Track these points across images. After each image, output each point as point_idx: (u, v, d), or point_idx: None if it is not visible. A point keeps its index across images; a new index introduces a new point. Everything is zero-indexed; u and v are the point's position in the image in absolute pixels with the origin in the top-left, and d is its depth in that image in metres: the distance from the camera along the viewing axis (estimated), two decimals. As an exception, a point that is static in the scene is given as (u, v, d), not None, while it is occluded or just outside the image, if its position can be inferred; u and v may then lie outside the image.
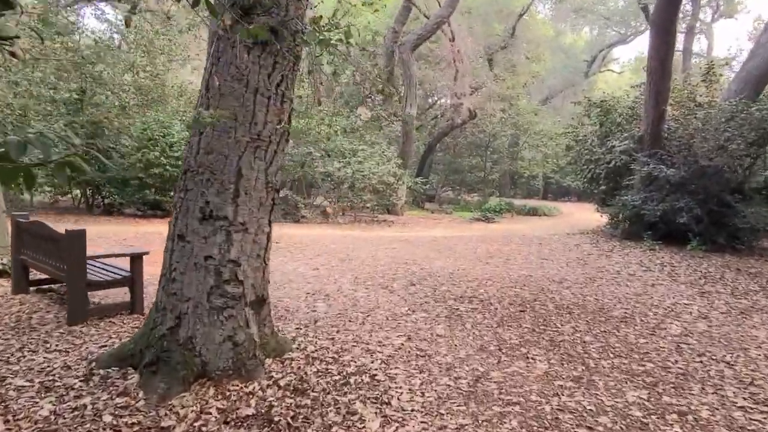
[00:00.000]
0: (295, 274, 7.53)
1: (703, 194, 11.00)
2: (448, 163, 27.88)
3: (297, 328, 4.89)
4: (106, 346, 4.22)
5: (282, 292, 6.34)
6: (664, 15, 11.24)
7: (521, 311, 5.86)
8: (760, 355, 4.65)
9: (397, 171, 16.19)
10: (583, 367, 4.22)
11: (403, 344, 4.56)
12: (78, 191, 15.58)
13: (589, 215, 20.05)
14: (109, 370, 3.64)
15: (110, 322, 4.96)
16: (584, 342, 4.87)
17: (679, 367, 4.30)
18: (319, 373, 3.82)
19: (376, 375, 3.84)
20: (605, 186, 13.87)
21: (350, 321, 5.24)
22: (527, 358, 4.39)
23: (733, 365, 4.37)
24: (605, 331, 5.23)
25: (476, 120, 23.77)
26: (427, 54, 25.10)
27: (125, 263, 5.37)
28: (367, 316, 5.46)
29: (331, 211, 15.57)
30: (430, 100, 30.85)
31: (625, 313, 5.98)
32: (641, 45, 60.77)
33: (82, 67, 13.77)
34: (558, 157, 27.28)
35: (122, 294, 5.55)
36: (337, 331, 4.86)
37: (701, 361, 4.45)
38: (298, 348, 4.31)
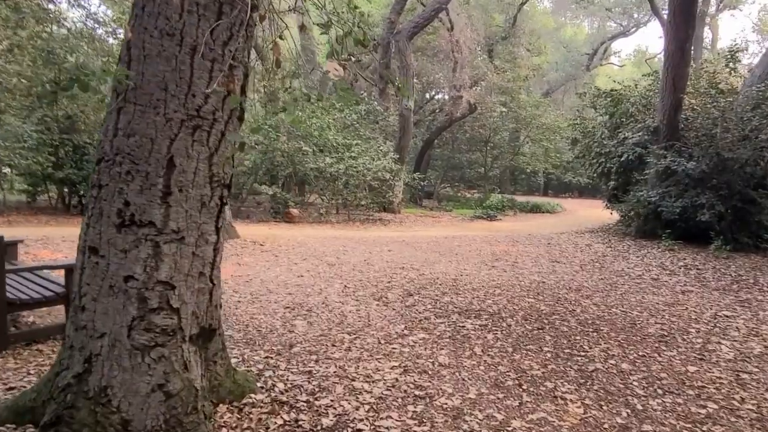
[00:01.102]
0: (276, 282, 6.59)
1: (725, 189, 10.07)
2: (446, 158, 26.92)
3: (267, 357, 3.95)
4: (14, 388, 3.27)
5: (256, 307, 5.40)
6: (683, -7, 10.30)
7: (539, 329, 4.93)
8: (843, 388, 3.73)
9: (394, 167, 15.23)
10: (628, 411, 3.29)
11: (397, 379, 3.63)
12: (54, 190, 14.59)
13: (593, 212, 19.18)
14: (3, 428, 2.70)
15: (37, 350, 4.02)
16: (622, 372, 3.94)
17: (749, 408, 3.38)
18: (286, 428, 2.89)
19: (361, 430, 2.90)
20: (616, 181, 12.96)
21: (334, 345, 4.30)
22: (556, 397, 3.45)
23: (816, 405, 3.44)
24: (644, 356, 4.30)
25: (476, 114, 22.80)
26: (425, 47, 24.14)
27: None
28: (355, 338, 4.52)
29: (324, 211, 14.65)
30: (428, 95, 29.88)
31: (662, 329, 5.05)
32: (643, 38, 59.78)
33: (56, 58, 12.77)
34: (560, 152, 26.39)
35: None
36: (316, 360, 3.92)
37: (774, 399, 3.53)
38: (263, 387, 3.37)
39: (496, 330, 4.86)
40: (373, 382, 3.56)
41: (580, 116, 15.26)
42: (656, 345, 4.58)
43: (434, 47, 22.68)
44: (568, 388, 3.60)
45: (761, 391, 3.67)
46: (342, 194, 15.28)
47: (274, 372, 3.65)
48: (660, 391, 3.61)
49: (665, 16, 19.38)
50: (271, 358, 3.95)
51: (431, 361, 4.01)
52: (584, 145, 14.41)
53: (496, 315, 5.37)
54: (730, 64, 11.79)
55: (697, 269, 8.45)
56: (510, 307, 5.73)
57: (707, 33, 35.67)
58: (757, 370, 4.07)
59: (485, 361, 4.05)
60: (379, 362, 3.94)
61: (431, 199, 24.91)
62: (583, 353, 4.30)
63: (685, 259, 9.23)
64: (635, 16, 35.70)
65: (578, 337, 4.70)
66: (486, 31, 23.43)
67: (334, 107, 17.24)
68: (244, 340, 4.31)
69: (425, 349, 4.28)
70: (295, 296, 5.91)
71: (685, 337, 4.84)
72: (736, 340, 4.79)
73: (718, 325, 5.31)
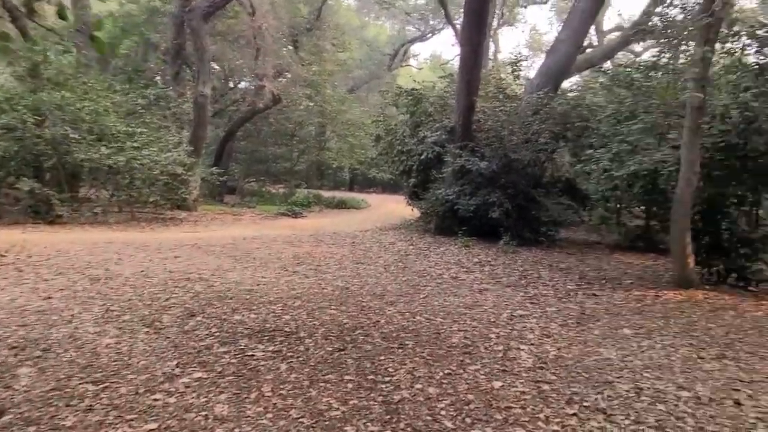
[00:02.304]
0: (8, 310, 5.00)
1: (512, 188, 10.80)
2: (251, 152, 25.51)
3: (-50, 441, 2.68)
4: None
5: (-38, 352, 3.91)
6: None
7: (341, 351, 4.33)
8: (629, 390, 3.78)
9: (187, 160, 13.60)
10: (439, 454, 2.82)
11: (152, 453, 2.68)
12: None
13: (396, 207, 19.68)
14: None
15: None
16: (429, 399, 3.51)
17: (555, 430, 3.16)
18: None
19: None
20: (417, 179, 13.23)
21: (68, 406, 3.15)
22: (358, 449, 2.85)
23: (612, 416, 3.37)
24: (450, 373, 3.96)
25: (281, 107, 21.90)
26: (227, 31, 22.46)
27: None
28: (104, 387, 3.41)
29: (100, 210, 12.46)
30: (232, 84, 28.03)
31: (465, 338, 4.83)
32: (438, 44, 64.66)
33: None
34: (365, 148, 26.81)
35: None
36: (34, 435, 2.77)
37: (575, 413, 3.39)
38: None
39: (292, 357, 4.13)
40: (114, 462, 2.57)
41: (382, 113, 15.39)
42: (461, 358, 4.29)
43: (236, 32, 21.16)
44: (375, 430, 3.03)
45: (562, 404, 3.52)
46: (125, 190, 13.18)
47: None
48: (469, 420, 3.23)
49: (458, 25, 20.78)
50: (-42, 440, 2.69)
51: (204, 414, 3.12)
52: (387, 143, 14.53)
53: (293, 335, 4.65)
54: (515, 72, 12.77)
55: (491, 265, 8.80)
56: (310, 322, 5.06)
57: (491, 45, 39.59)
58: (554, 377, 3.98)
59: (275, 405, 3.29)
60: (130, 426, 2.93)
61: (234, 195, 23.36)
62: (388, 378, 3.80)
63: (479, 255, 9.61)
64: (431, 22, 38.10)
65: (383, 357, 4.21)
66: (290, 21, 22.59)
67: (113, 89, 14.92)
68: None
69: (199, 396, 3.36)
70: (31, 329, 4.48)
71: (487, 345, 4.67)
72: (532, 344, 4.76)
73: (515, 327, 5.30)
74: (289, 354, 4.19)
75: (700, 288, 7.41)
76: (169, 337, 4.44)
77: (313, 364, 4.00)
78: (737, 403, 3.63)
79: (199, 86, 15.47)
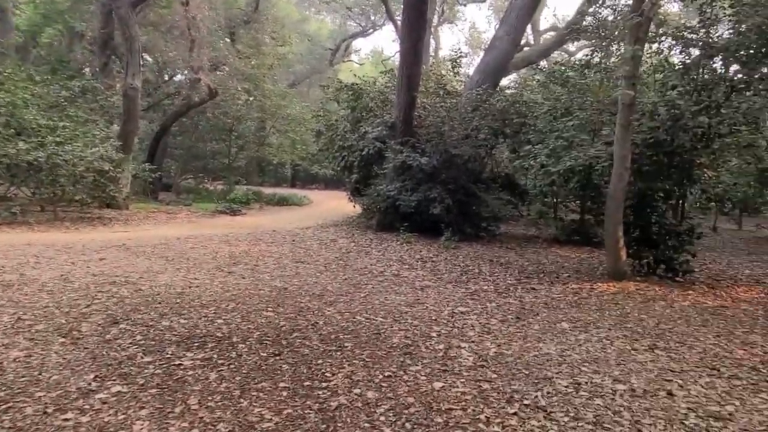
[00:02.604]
0: None
1: (453, 184, 10.83)
2: (187, 147, 24.57)
3: None
4: None
5: None
6: (416, -5, 10.68)
7: (276, 355, 4.12)
8: (568, 386, 3.78)
9: (115, 155, 12.85)
10: (377, 464, 2.69)
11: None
12: None
13: (338, 203, 19.47)
14: None
15: None
16: (368, 404, 3.37)
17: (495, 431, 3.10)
18: None
19: None
20: (359, 174, 13.08)
21: (-38, 431, 2.81)
22: (290, 463, 2.67)
23: (552, 413, 3.34)
24: (390, 376, 3.84)
25: (219, 101, 21.19)
26: (159, 21, 21.47)
27: None
28: (7, 408, 3.07)
29: (18, 210, 11.57)
30: (167, 76, 26.86)
31: (406, 337, 4.73)
32: (379, 40, 64.68)
33: None
34: (306, 144, 26.38)
35: None
36: None
37: (516, 412, 3.34)
38: None
39: (223, 364, 3.89)
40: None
41: (323, 108, 15.12)
42: (401, 359, 4.18)
43: (167, 21, 20.26)
44: (307, 443, 2.86)
45: (502, 404, 3.47)
46: (48, 188, 12.31)
47: None
48: (409, 425, 3.11)
49: (399, 21, 20.70)
50: None
51: (122, 433, 2.86)
52: (328, 138, 14.30)
53: (225, 341, 4.40)
54: (455, 69, 12.82)
55: (432, 261, 8.78)
56: (244, 326, 4.82)
57: (432, 42, 39.89)
58: (495, 376, 3.94)
59: (201, 418, 3.06)
60: (34, 452, 2.63)
61: (170, 192, 22.42)
62: (325, 384, 3.63)
63: (421, 251, 9.57)
64: (372, 17, 37.97)
65: (320, 361, 4.04)
66: (227, 13, 21.86)
67: (33, 80, 13.94)
68: None
69: (117, 412, 3.08)
70: (-74, 344, 4.02)
71: (428, 343, 4.59)
72: (473, 341, 4.72)
73: (456, 324, 5.25)
74: (220, 361, 3.95)
75: (632, 279, 7.66)
76: (87, 348, 4.09)
77: (245, 371, 3.78)
78: (670, 394, 3.70)
79: (128, 78, 14.67)
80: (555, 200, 13.72)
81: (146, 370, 3.72)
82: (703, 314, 6.00)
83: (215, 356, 4.05)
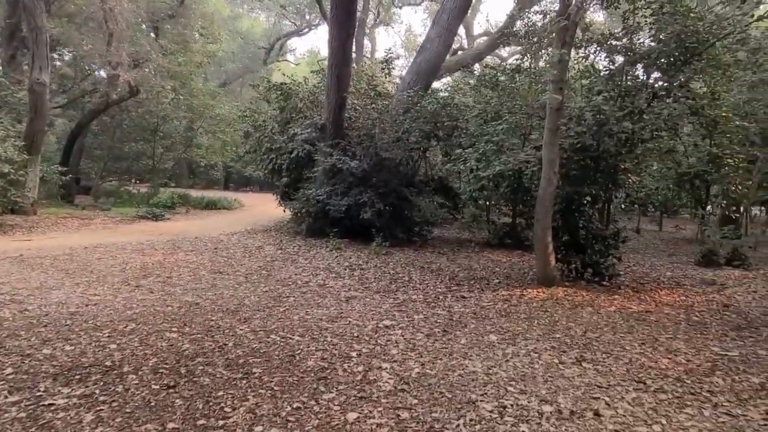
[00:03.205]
0: None
1: (384, 188, 10.55)
2: (109, 147, 23.05)
3: None
4: None
5: None
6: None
7: (171, 388, 3.62)
8: (493, 410, 3.51)
9: (17, 156, 11.73)
10: None
11: None
12: None
13: (270, 207, 18.76)
14: None
15: None
16: (270, 445, 2.96)
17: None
18: None
19: None
20: (288, 177, 12.56)
21: None
22: None
23: (473, 445, 3.05)
24: (299, 407, 3.43)
25: (142, 99, 20.00)
26: (75, 12, 20.01)
27: None
28: None
29: None
30: (86, 72, 25.14)
31: (323, 359, 4.34)
32: (315, 40, 64.04)
33: None
34: (237, 145, 25.42)
35: None
36: None
37: (435, 447, 3.03)
38: None
39: (105, 402, 3.36)
40: None
41: (249, 108, 14.48)
42: (315, 385, 3.79)
43: (83, 13, 18.89)
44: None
45: (422, 435, 3.15)
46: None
47: None
48: (314, 470, 2.73)
49: (332, 19, 20.23)
50: None
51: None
52: (256, 139, 13.68)
53: (114, 371, 3.85)
54: (386, 70, 12.55)
55: (361, 269, 8.43)
56: (141, 351, 4.28)
57: (367, 43, 39.65)
58: (416, 401, 3.62)
59: (60, 478, 2.55)
60: None
61: (89, 196, 20.93)
62: (222, 421, 3.18)
63: (350, 258, 9.21)
64: (307, 17, 37.32)
65: (221, 393, 3.58)
66: (149, 5, 20.68)
67: None
68: None
69: (-49, 476, 2.53)
70: None
71: (346, 365, 4.21)
72: (395, 361, 4.39)
73: (379, 341, 4.91)
74: (101, 398, 3.41)
75: (560, 285, 7.61)
76: (-63, 388, 3.45)
77: (129, 410, 3.27)
78: (597, 414, 3.50)
79: (34, 72, 13.46)
80: (487, 203, 13.71)
81: (6, 414, 3.14)
82: (628, 320, 5.96)
83: (97, 391, 3.51)
